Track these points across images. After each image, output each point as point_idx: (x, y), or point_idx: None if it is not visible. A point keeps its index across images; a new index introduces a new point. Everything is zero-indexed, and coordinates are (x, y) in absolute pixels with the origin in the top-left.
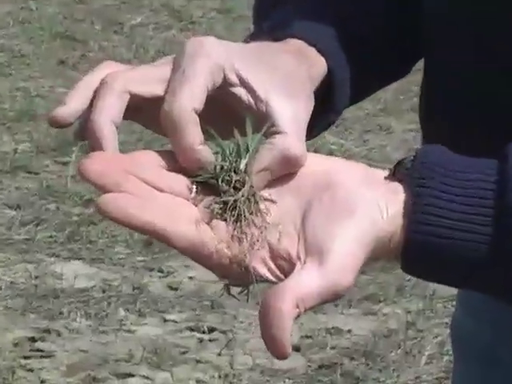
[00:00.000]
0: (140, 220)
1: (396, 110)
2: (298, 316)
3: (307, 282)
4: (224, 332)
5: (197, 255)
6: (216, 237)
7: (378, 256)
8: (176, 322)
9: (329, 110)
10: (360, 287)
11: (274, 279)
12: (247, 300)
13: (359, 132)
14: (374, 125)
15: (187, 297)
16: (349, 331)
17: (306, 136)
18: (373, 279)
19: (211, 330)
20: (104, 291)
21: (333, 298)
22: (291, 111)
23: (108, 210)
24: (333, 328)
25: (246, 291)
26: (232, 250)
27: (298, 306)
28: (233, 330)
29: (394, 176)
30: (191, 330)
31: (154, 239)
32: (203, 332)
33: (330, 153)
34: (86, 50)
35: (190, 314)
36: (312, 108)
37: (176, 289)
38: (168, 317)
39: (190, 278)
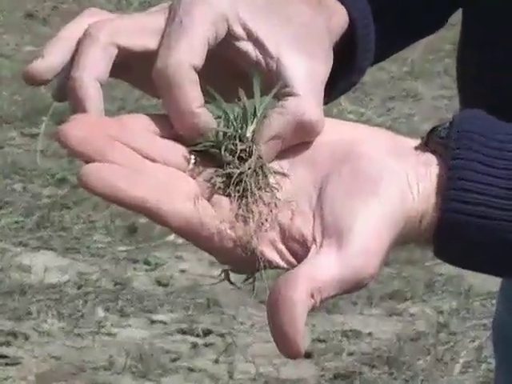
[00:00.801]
0: (129, 194)
1: (425, 72)
2: (314, 308)
3: (324, 267)
4: (222, 335)
5: (195, 236)
6: (217, 215)
7: (406, 239)
8: (165, 323)
9: (350, 69)
10: (383, 282)
11: (284, 265)
12: (253, 289)
13: (382, 98)
14: (399, 90)
15: (178, 294)
16: (369, 334)
17: (323, 99)
18: (397, 273)
19: (206, 332)
20: (79, 287)
21: (354, 288)
22: (306, 69)
23: (91, 183)
24: (350, 331)
25: (251, 280)
26: (236, 231)
27: (313, 296)
28: (232, 333)
29: (426, 146)
30: (183, 332)
31: (138, 226)
32: (197, 335)
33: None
34: (59, 1)
35: (181, 314)
36: (331, 66)
37: (165, 284)
38: (156, 317)
39: (182, 271)
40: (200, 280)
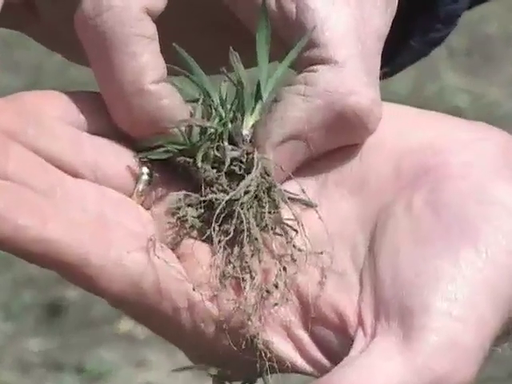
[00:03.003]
0: (34, 237)
1: None
2: None
3: (380, 374)
4: None
5: (147, 312)
6: (189, 276)
7: None
8: None
9: (428, 18)
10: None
11: (307, 366)
12: None
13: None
14: None
15: None
16: None
17: (381, 69)
18: None
19: None
20: None
21: None
22: (349, 17)
23: None
24: None
25: None
26: (221, 305)
27: None
28: None
29: None
30: None
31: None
32: None
33: (454, 109)
34: None
35: None
36: (394, 11)
37: None
38: None
39: None
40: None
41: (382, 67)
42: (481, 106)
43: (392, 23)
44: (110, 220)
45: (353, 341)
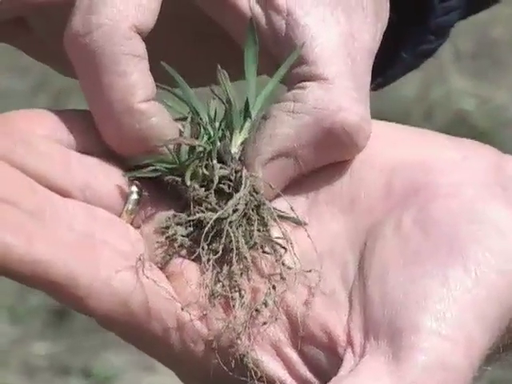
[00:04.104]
0: (21, 257)
1: None
2: None
3: None
4: None
5: (137, 332)
6: (177, 295)
7: None
8: None
9: (420, 30)
10: None
11: None
12: None
13: None
14: None
15: None
16: None
17: (373, 81)
18: None
19: None
20: None
21: None
22: (340, 33)
23: None
24: None
25: None
26: (210, 325)
27: None
28: None
29: None
30: None
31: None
32: None
33: (461, 113)
34: None
35: None
36: (384, 25)
37: None
38: None
39: None
40: None
41: (374, 78)
42: (488, 109)
43: (384, 35)
44: (98, 240)
45: (342, 360)
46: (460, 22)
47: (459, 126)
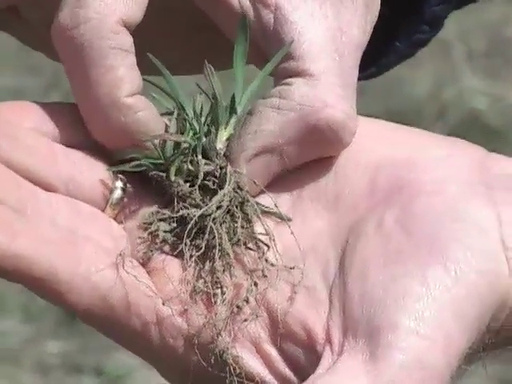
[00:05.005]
0: (2, 252)
1: None
2: None
3: None
4: None
5: (117, 327)
6: (158, 291)
7: (504, 337)
8: None
9: (412, 21)
10: None
11: (275, 382)
12: None
13: None
14: None
15: None
16: None
17: (367, 71)
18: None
19: None
20: None
21: None
22: (327, 28)
23: None
24: None
25: None
26: (191, 321)
27: None
28: None
29: None
30: None
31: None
32: None
33: (473, 111)
34: None
35: None
36: (374, 19)
37: None
38: None
39: None
40: None
41: (367, 68)
42: (500, 108)
43: (377, 25)
44: (80, 235)
45: (320, 358)
46: (468, 19)
47: (472, 125)
